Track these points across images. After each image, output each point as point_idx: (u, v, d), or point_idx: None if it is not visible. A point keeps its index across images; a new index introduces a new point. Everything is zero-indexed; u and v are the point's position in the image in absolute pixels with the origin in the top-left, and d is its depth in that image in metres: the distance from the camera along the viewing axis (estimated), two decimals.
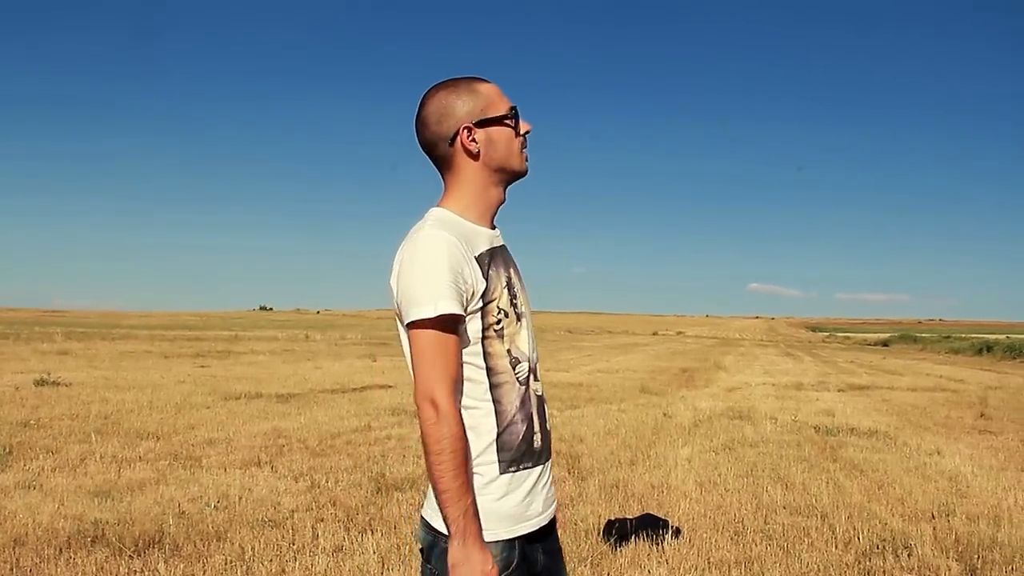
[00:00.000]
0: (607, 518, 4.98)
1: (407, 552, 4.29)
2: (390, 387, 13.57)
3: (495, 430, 1.65)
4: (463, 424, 1.59)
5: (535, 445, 1.71)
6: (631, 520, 4.82)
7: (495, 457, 1.65)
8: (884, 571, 4.30)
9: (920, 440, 8.95)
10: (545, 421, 1.76)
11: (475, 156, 1.71)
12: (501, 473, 1.65)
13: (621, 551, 4.48)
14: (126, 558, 4.11)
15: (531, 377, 1.72)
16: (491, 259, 1.67)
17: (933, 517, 5.38)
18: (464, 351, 1.62)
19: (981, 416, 11.63)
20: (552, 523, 1.80)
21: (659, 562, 4.31)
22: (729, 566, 4.29)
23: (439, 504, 1.58)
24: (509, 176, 1.76)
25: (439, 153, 1.73)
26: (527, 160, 1.77)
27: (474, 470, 1.63)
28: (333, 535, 4.59)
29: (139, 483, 5.76)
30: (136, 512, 4.94)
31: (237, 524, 4.75)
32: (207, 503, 5.20)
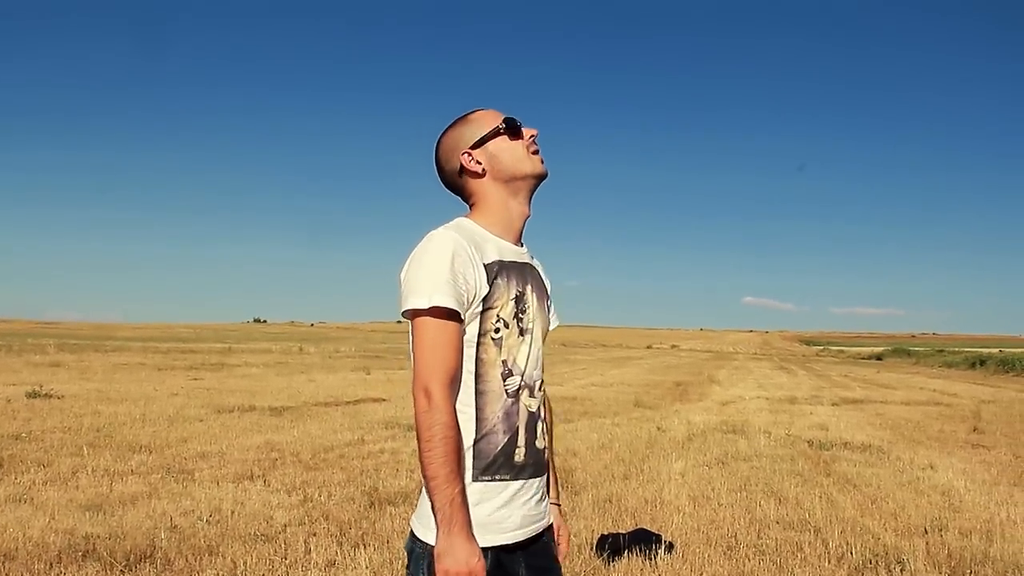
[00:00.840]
0: (600, 533, 4.97)
1: (400, 567, 4.28)
2: (384, 400, 13.55)
3: (473, 436, 1.68)
4: (455, 415, 1.62)
5: (516, 459, 1.71)
6: (624, 535, 4.82)
7: (470, 464, 1.67)
8: None
9: (913, 454, 8.96)
10: (535, 438, 1.76)
11: (481, 174, 1.79)
12: (474, 480, 1.67)
13: (614, 566, 4.47)
14: (117, 573, 4.09)
15: (525, 392, 1.73)
16: (502, 269, 1.71)
17: (926, 532, 5.38)
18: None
19: (974, 430, 11.65)
20: (541, 540, 1.80)
21: None
22: None
23: (428, 493, 1.60)
24: (525, 182, 1.80)
25: (458, 187, 1.83)
26: (542, 162, 1.82)
27: None
28: (326, 549, 4.57)
29: (131, 497, 5.74)
30: (128, 526, 4.92)
31: (229, 538, 4.73)
32: (199, 517, 5.18)
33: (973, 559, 4.71)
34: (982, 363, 42.84)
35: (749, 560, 4.62)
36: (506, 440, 1.70)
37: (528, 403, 1.75)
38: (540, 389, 1.80)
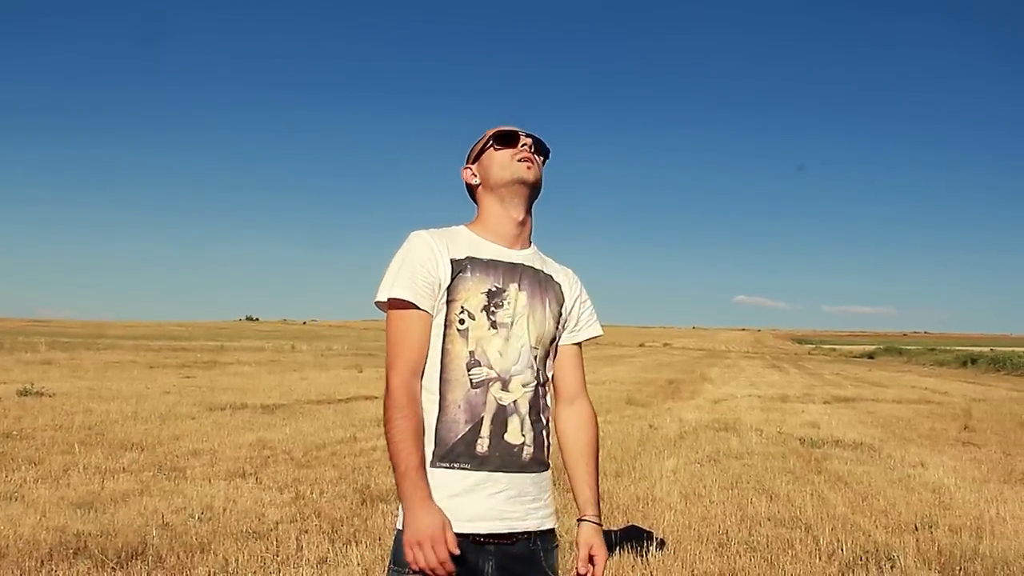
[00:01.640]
0: None
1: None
2: (375, 398, 13.52)
3: (432, 422, 1.73)
4: (415, 400, 1.72)
5: (477, 449, 1.73)
6: (615, 532, 4.83)
7: (431, 449, 1.72)
8: None
9: (904, 452, 9.00)
10: (504, 431, 1.75)
11: (476, 186, 1.92)
12: (432, 466, 1.71)
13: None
14: (109, 570, 4.08)
15: (497, 385, 1.75)
16: (472, 264, 1.79)
17: (916, 529, 5.41)
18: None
19: (965, 428, 11.72)
20: (527, 546, 1.79)
21: (643, 573, 4.32)
22: None
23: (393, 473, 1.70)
24: (509, 189, 1.87)
25: (473, 201, 1.95)
26: (528, 168, 1.86)
27: None
28: (317, 547, 4.57)
29: (123, 494, 5.73)
30: (119, 524, 4.91)
31: (221, 536, 4.73)
32: (191, 515, 5.17)
33: (963, 556, 4.74)
34: (973, 362, 43.04)
35: (740, 557, 4.64)
36: (467, 429, 1.73)
37: (499, 396, 1.75)
38: (525, 387, 1.79)
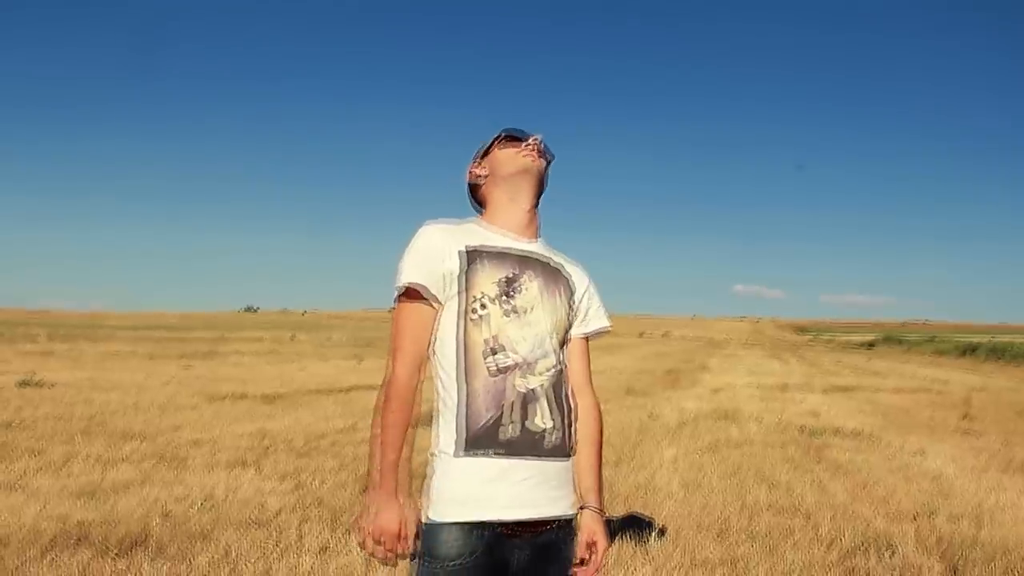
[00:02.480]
0: None
1: None
2: (376, 388, 13.47)
3: (455, 411, 1.73)
4: (414, 395, 1.77)
5: (501, 436, 1.73)
6: (616, 520, 4.84)
7: (453, 438, 1.72)
8: (867, 570, 4.33)
9: (904, 441, 9.02)
10: (528, 417, 1.75)
11: (482, 184, 1.96)
12: (455, 455, 1.72)
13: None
14: (110, 559, 4.09)
15: (517, 372, 1.75)
16: (484, 254, 1.80)
17: (916, 517, 5.43)
18: (443, 330, 1.78)
19: (964, 417, 11.73)
20: (552, 540, 1.80)
21: (644, 561, 4.33)
22: (713, 566, 4.31)
23: (370, 455, 1.75)
24: (514, 180, 1.90)
25: (477, 200, 1.99)
26: (534, 161, 1.91)
27: (437, 449, 1.75)
28: (318, 535, 4.59)
29: (124, 484, 5.73)
30: (121, 513, 4.92)
31: (222, 524, 4.74)
32: (192, 504, 5.18)
33: (963, 544, 4.75)
34: (973, 351, 42.98)
35: (740, 545, 4.65)
36: (490, 417, 1.73)
37: (522, 382, 1.76)
38: (546, 372, 1.79)
